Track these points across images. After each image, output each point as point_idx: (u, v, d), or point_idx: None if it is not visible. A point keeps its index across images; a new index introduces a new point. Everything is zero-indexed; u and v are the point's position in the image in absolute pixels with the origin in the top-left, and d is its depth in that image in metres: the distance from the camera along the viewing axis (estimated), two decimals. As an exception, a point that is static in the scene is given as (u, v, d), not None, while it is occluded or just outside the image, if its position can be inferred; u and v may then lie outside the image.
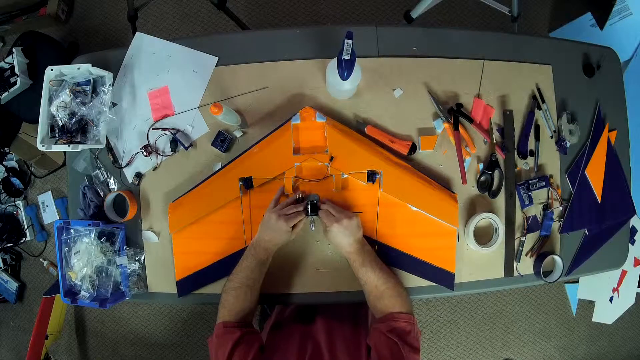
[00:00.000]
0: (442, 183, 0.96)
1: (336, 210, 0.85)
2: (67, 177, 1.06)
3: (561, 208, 0.98)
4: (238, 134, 0.98)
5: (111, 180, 1.01)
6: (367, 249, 0.86)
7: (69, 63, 0.97)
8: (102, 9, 1.96)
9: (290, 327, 0.93)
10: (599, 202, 1.01)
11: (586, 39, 1.09)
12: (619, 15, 1.67)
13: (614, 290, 1.80)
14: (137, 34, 1.04)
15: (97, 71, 0.96)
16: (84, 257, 0.93)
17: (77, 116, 0.95)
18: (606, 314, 1.84)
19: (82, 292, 0.94)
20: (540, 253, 0.98)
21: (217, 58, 1.00)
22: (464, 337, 1.91)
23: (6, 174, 1.91)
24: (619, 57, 1.07)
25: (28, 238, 1.93)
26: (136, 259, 0.98)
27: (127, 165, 1.00)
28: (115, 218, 0.98)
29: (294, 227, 0.85)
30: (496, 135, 0.98)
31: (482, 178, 0.96)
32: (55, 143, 0.95)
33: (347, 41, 0.77)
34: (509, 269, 0.97)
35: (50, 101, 0.95)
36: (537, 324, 1.92)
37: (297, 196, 0.90)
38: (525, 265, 0.98)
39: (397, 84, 0.98)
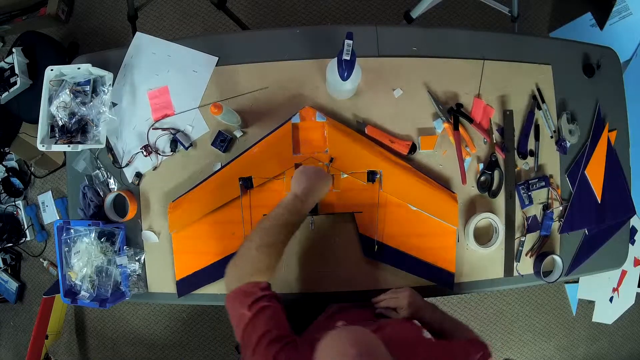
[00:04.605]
0: (442, 183, 0.96)
1: (389, 301, 0.83)
2: (67, 177, 1.06)
3: (561, 208, 0.98)
4: (238, 134, 0.98)
5: (111, 180, 1.01)
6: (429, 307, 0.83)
7: (69, 63, 0.97)
8: (102, 9, 1.96)
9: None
10: (599, 202, 1.01)
11: (586, 39, 1.08)
12: (619, 15, 1.67)
13: (614, 290, 1.80)
14: (137, 34, 1.04)
15: (97, 71, 0.96)
16: (84, 257, 0.94)
17: (77, 116, 0.95)
18: (606, 314, 1.84)
19: (82, 292, 0.95)
20: (540, 253, 0.98)
21: (217, 58, 1.00)
22: (464, 337, 1.91)
23: (6, 174, 1.91)
24: (619, 57, 1.07)
25: (28, 238, 1.93)
26: (136, 259, 0.98)
27: (127, 165, 1.00)
28: (115, 218, 0.98)
29: None
30: (496, 135, 0.98)
31: (482, 178, 0.96)
32: (55, 143, 0.95)
33: (347, 41, 0.77)
34: (508, 269, 0.97)
35: (50, 101, 0.95)
36: (537, 324, 1.91)
37: None
38: (525, 265, 0.98)
39: (397, 84, 0.98)
